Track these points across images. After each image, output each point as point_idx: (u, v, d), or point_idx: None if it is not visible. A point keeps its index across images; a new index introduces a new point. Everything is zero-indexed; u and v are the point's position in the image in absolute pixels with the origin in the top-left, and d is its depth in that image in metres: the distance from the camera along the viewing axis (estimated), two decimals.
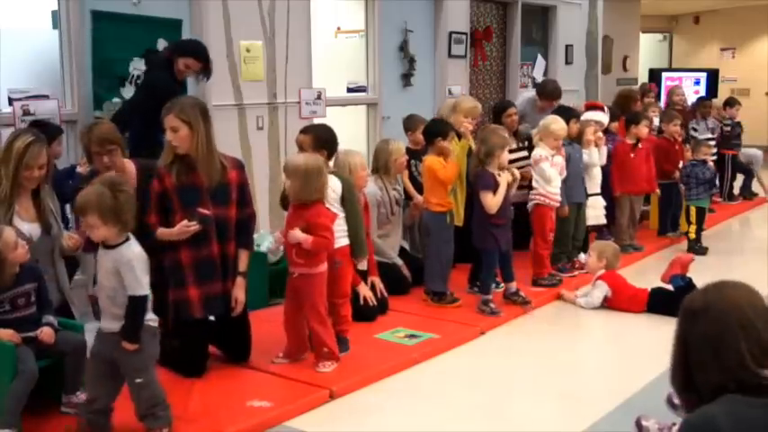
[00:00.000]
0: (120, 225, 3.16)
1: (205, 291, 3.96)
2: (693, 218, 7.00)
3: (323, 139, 4.53)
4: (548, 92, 7.38)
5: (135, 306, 3.16)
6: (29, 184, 3.77)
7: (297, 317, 4.14)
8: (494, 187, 5.01)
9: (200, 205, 3.89)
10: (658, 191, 7.16)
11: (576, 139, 6.19)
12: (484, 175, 5.06)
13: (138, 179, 4.15)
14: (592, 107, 7.04)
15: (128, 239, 3.21)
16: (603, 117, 6.77)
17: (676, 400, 3.42)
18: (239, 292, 4.05)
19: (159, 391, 3.30)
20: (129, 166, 4.15)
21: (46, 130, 4.52)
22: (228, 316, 4.06)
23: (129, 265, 3.15)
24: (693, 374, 1.80)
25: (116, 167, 4.06)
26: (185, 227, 3.84)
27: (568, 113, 6.28)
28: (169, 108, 3.94)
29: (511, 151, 5.44)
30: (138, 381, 3.23)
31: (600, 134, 6.42)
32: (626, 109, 7.68)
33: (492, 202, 5.01)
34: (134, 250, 3.20)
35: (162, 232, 3.91)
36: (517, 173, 5.23)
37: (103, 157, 4.01)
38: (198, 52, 5.13)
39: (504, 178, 5.07)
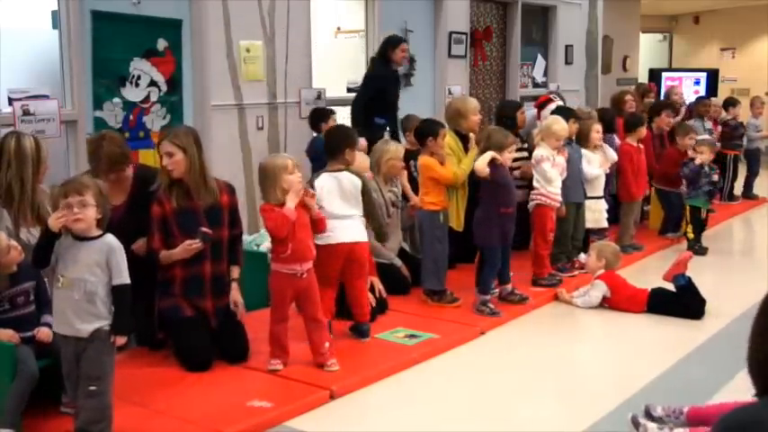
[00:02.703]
0: (102, 216, 3.13)
1: (193, 304, 4.11)
2: (689, 217, 7.00)
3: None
4: None
5: (125, 295, 3.12)
6: (41, 182, 3.79)
7: (286, 322, 4.10)
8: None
9: (198, 227, 4.03)
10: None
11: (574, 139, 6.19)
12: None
13: (133, 185, 4.32)
14: (545, 102, 7.03)
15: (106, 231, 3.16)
16: (558, 102, 6.96)
17: (641, 420, 3.41)
18: (236, 296, 4.20)
19: (108, 408, 3.14)
20: (129, 170, 4.32)
21: (322, 112, 6.25)
22: (225, 320, 4.17)
23: (119, 252, 3.12)
24: (757, 349, 1.60)
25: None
26: (188, 245, 3.99)
27: (568, 113, 6.28)
28: (164, 135, 4.15)
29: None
30: (92, 388, 3.09)
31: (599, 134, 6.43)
32: (619, 110, 7.75)
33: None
34: (116, 240, 3.16)
35: (165, 255, 4.06)
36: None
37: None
38: (402, 38, 6.71)
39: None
